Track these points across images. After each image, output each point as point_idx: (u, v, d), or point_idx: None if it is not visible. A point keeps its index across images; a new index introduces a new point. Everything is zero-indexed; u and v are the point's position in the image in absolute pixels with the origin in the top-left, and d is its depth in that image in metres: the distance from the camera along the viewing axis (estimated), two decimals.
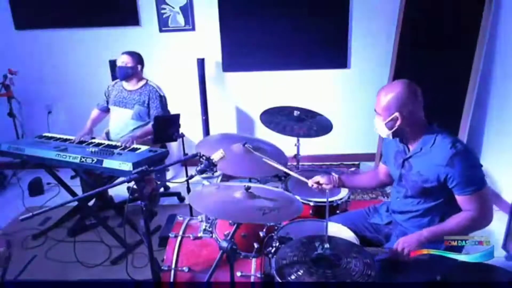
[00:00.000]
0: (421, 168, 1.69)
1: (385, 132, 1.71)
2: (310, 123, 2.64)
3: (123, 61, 2.98)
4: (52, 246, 2.77)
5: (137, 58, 3.02)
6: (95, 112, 3.21)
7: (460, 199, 1.63)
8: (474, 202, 1.60)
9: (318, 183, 1.99)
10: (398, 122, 1.64)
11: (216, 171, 1.67)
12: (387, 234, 1.90)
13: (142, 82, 3.06)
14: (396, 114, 1.63)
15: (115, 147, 2.68)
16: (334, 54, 3.82)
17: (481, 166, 1.64)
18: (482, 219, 1.62)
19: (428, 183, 1.67)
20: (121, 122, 3.06)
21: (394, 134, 1.71)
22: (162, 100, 3.04)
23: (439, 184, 1.64)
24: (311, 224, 1.90)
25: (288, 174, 2.25)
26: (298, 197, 1.94)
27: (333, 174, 2.05)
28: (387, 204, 1.98)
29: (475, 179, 1.60)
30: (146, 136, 2.96)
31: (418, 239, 1.62)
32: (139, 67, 3.04)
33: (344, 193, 2.20)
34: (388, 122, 1.66)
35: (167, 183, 3.68)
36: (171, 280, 1.73)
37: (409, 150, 1.76)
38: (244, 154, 1.98)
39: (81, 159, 2.49)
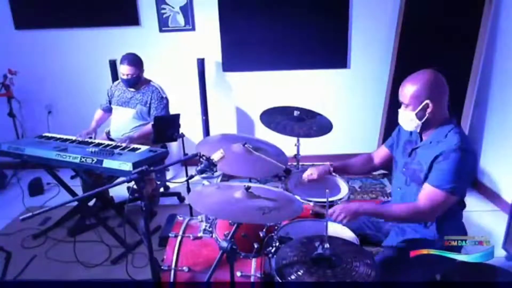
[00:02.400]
0: (422, 158, 1.69)
1: (414, 124, 1.67)
2: (310, 123, 2.64)
3: (125, 73, 2.95)
4: (52, 246, 2.77)
5: (138, 65, 2.98)
6: (99, 113, 3.22)
7: (424, 186, 1.63)
8: (430, 197, 1.59)
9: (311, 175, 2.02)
10: (429, 110, 1.61)
11: (216, 171, 1.67)
12: (387, 231, 1.90)
13: (145, 83, 3.07)
14: (427, 101, 1.60)
15: (115, 147, 2.68)
16: (334, 54, 3.82)
17: (470, 180, 1.61)
18: (424, 215, 1.62)
19: (422, 173, 1.66)
20: (122, 121, 3.07)
21: (424, 125, 1.66)
22: (163, 102, 3.03)
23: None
24: (311, 224, 1.90)
25: (289, 173, 2.24)
26: (298, 197, 1.94)
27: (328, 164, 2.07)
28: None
29: (450, 179, 1.56)
30: (144, 138, 2.95)
31: (357, 209, 1.64)
32: (142, 72, 3.03)
33: (344, 193, 2.20)
34: (419, 112, 1.63)
35: (167, 183, 3.68)
36: (171, 280, 1.73)
37: (421, 140, 1.74)
38: (244, 154, 1.98)
39: (81, 159, 2.49)
